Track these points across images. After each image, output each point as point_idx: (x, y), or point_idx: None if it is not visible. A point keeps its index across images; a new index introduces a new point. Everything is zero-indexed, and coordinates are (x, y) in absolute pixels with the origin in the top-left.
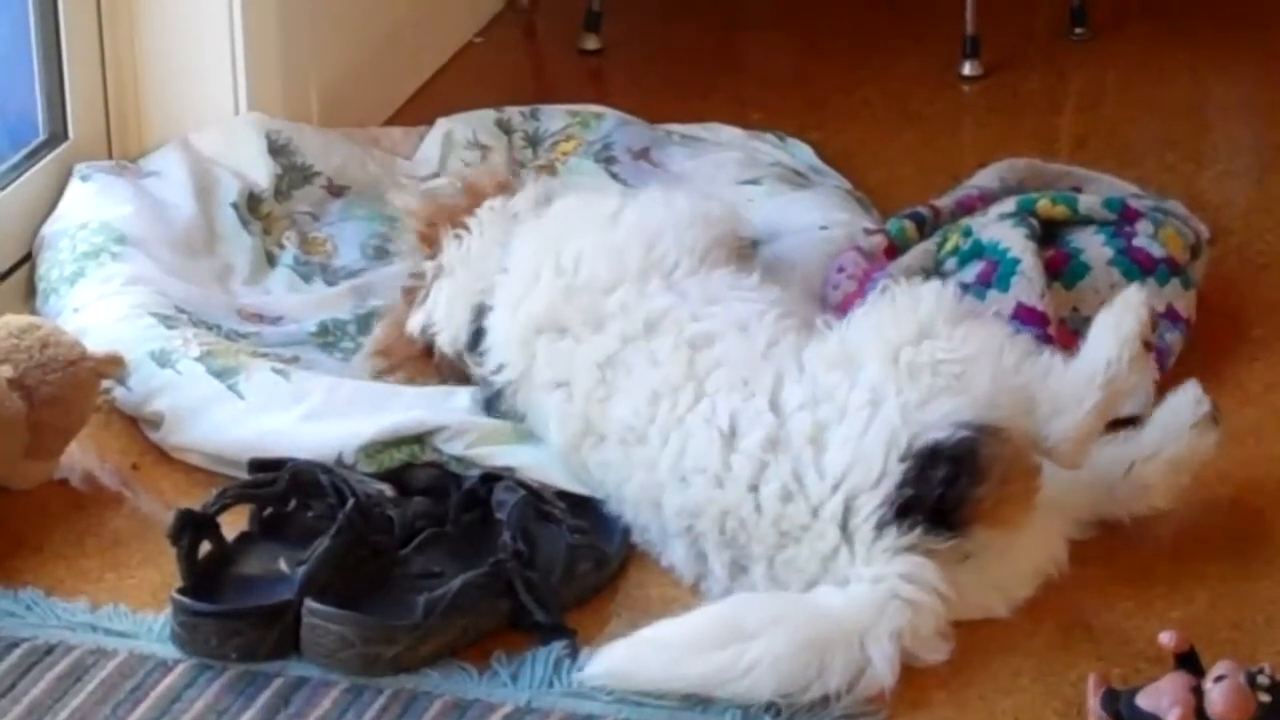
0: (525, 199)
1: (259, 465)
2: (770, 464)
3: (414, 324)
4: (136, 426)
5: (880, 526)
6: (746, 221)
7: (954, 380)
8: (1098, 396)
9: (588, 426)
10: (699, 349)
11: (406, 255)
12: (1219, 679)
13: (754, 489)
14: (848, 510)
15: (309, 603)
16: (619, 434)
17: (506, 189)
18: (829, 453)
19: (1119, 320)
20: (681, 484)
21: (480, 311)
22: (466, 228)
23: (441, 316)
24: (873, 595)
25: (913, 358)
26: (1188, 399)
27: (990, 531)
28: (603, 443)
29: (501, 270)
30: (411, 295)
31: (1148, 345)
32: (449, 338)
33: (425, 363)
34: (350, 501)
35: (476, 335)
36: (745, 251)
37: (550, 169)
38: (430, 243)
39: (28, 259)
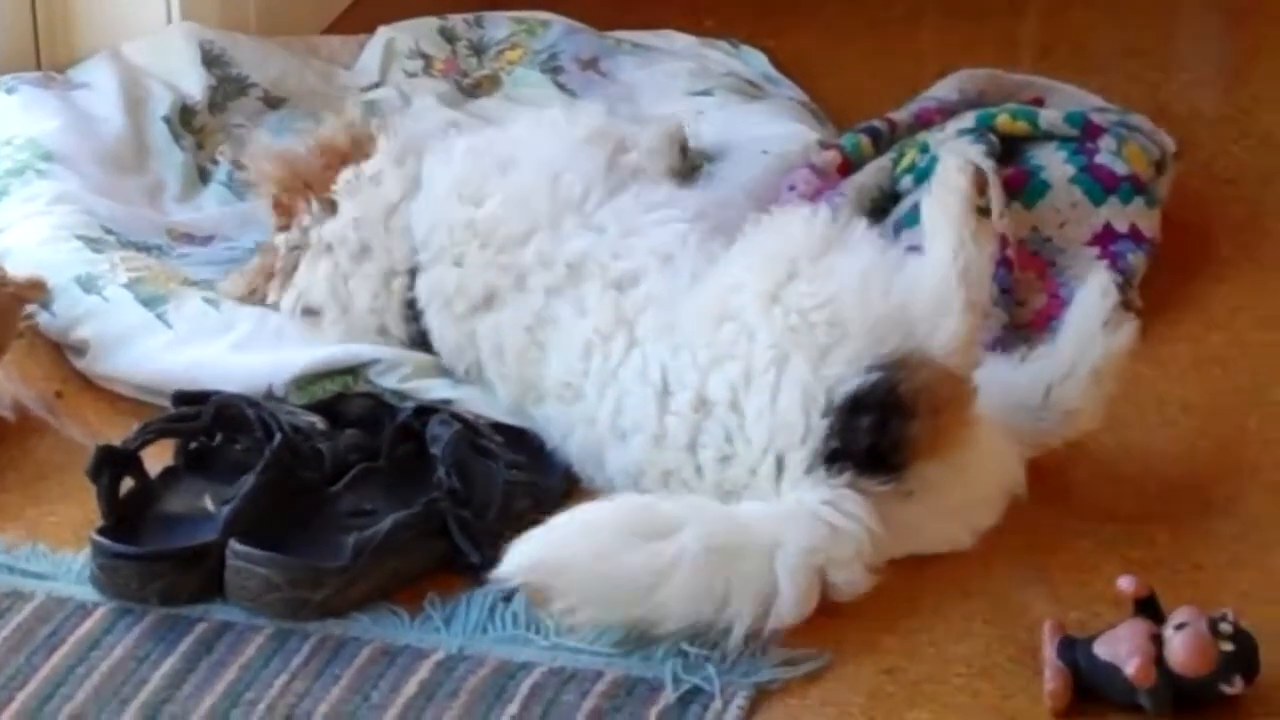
0: (384, 158)
1: (183, 398)
2: (702, 426)
3: (286, 303)
4: (61, 353)
5: (809, 470)
6: (672, 128)
7: (829, 327)
8: (961, 294)
9: (526, 386)
10: (625, 290)
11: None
12: (1180, 626)
13: (692, 451)
14: (779, 468)
15: (233, 544)
16: (556, 392)
17: (362, 146)
18: (749, 420)
19: (943, 205)
20: (621, 442)
21: (413, 308)
22: (329, 197)
23: (325, 298)
24: (790, 511)
25: (786, 314)
26: (1094, 294)
27: (933, 464)
28: (542, 401)
29: (413, 255)
30: (269, 266)
31: (982, 211)
32: (369, 332)
33: None
34: (277, 437)
35: (423, 335)
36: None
37: (495, 79)
38: (287, 211)
39: None
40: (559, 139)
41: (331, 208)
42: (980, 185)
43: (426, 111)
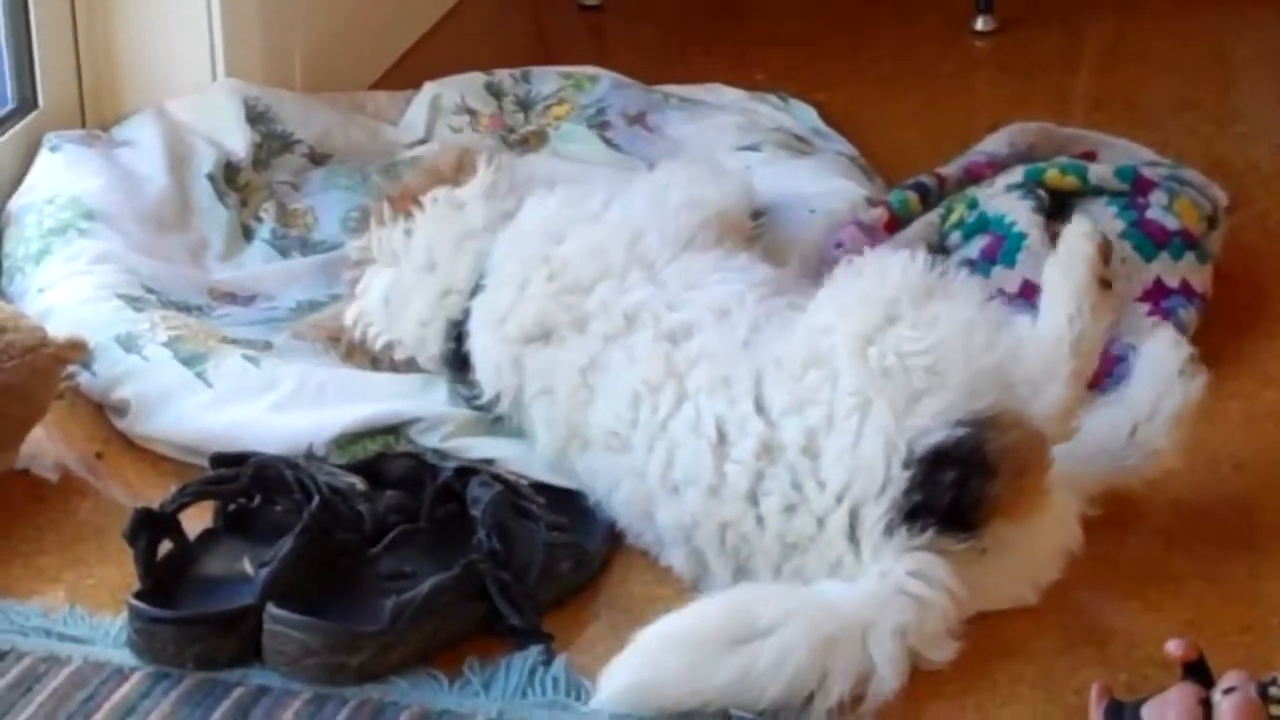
0: (475, 189)
1: (221, 460)
2: (766, 473)
3: (350, 315)
4: (102, 412)
5: (889, 531)
6: (751, 194)
7: (928, 374)
8: (1070, 365)
9: (572, 431)
10: (678, 342)
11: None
12: (1229, 691)
13: (753, 501)
14: (853, 520)
15: (270, 608)
16: (602, 440)
17: (464, 173)
18: (825, 464)
19: (1066, 270)
20: (673, 495)
21: (458, 331)
22: (405, 214)
23: (378, 314)
24: (878, 589)
25: (882, 356)
26: (1166, 345)
27: (1009, 524)
28: (588, 448)
29: (478, 280)
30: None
31: (1105, 282)
32: (408, 346)
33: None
34: (315, 499)
35: (458, 357)
36: (749, 228)
37: (542, 135)
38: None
39: None
40: (658, 203)
41: (405, 225)
42: (1106, 255)
43: (538, 163)
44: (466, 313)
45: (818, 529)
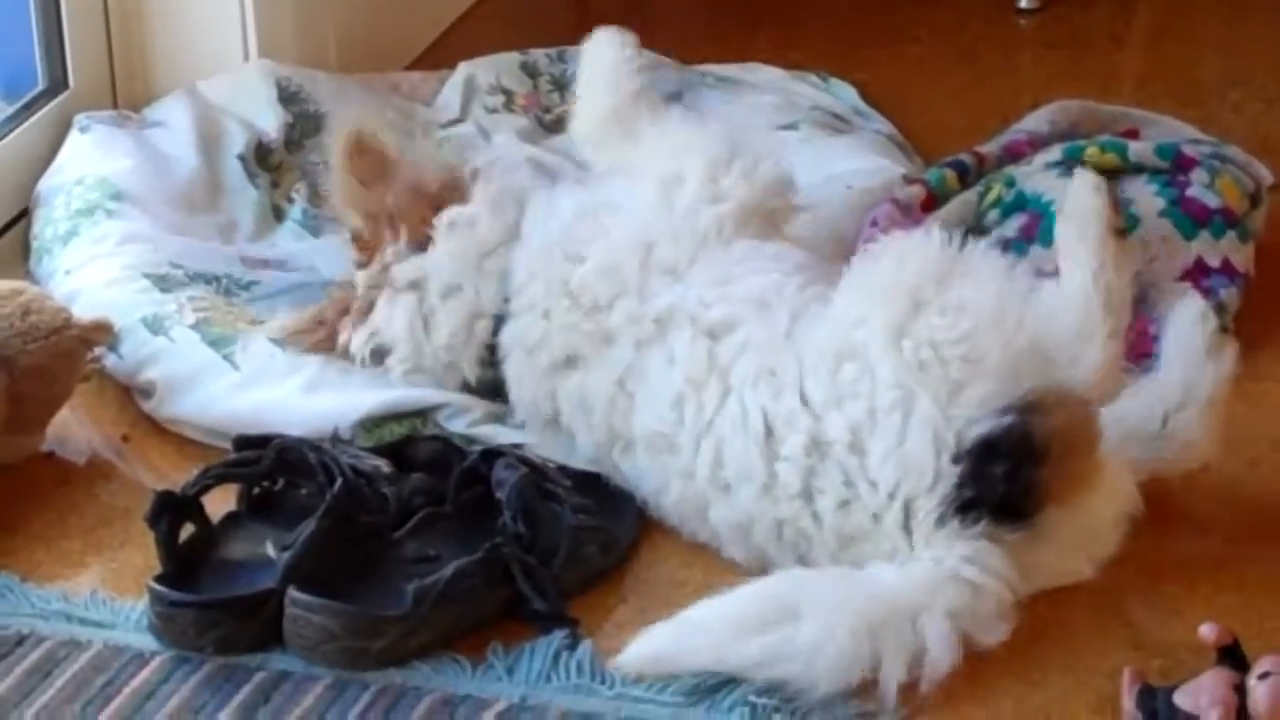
0: (481, 204)
1: (243, 442)
2: (817, 470)
3: (358, 341)
4: (129, 395)
5: (941, 522)
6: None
7: (964, 363)
8: (1105, 324)
9: (613, 435)
10: (718, 337)
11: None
12: (1264, 676)
13: (808, 498)
14: (907, 514)
15: (291, 592)
16: (647, 440)
17: (457, 190)
18: (873, 462)
19: (1080, 227)
20: (725, 493)
21: (493, 355)
22: (423, 235)
23: (401, 335)
24: (931, 574)
25: (917, 348)
26: (1190, 321)
27: (1063, 509)
28: (631, 449)
29: (503, 301)
30: (342, 304)
31: (1120, 232)
32: (430, 373)
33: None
34: (338, 482)
35: (495, 382)
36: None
37: None
38: (368, 248)
39: (25, 215)
40: (665, 201)
41: (421, 246)
42: (1116, 208)
43: (506, 148)
44: (498, 337)
45: (873, 523)
